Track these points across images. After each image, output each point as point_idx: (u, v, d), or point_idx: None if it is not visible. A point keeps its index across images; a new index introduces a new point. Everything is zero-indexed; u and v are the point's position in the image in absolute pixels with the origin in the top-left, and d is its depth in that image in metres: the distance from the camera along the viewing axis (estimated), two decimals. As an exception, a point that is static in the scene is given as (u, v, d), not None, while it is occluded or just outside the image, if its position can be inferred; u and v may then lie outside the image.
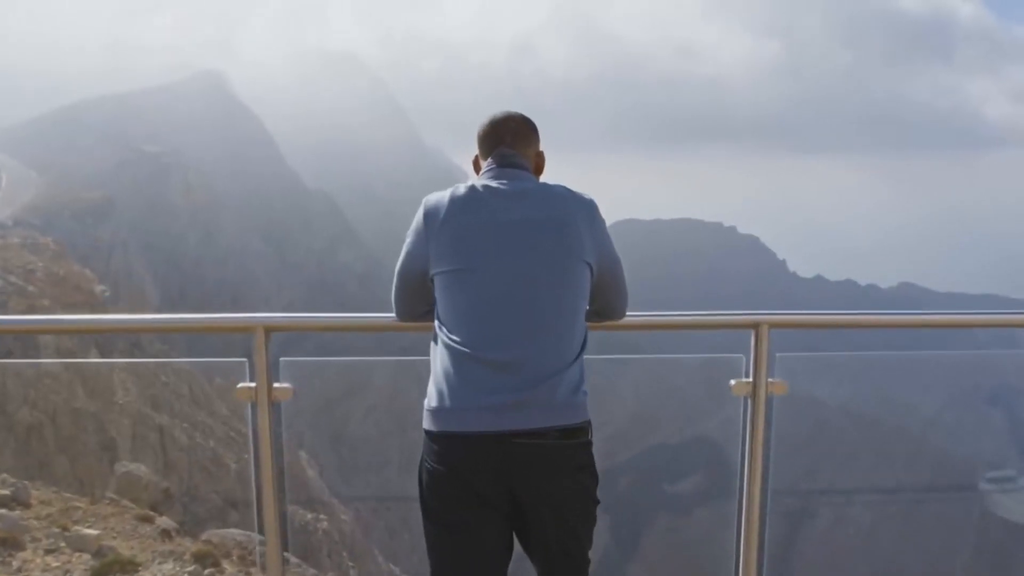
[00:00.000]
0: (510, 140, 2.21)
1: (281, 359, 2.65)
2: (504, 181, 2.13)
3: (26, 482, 5.27)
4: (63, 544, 4.28)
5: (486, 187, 2.12)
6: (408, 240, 2.13)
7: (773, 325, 2.72)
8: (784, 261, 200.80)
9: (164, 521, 5.05)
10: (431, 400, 2.01)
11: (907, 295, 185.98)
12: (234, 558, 4.80)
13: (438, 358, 2.03)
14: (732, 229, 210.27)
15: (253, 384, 2.61)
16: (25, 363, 11.91)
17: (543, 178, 2.28)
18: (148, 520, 4.92)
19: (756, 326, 2.70)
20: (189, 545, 5.02)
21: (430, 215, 2.10)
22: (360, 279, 66.58)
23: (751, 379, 2.71)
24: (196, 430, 13.85)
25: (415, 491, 2.04)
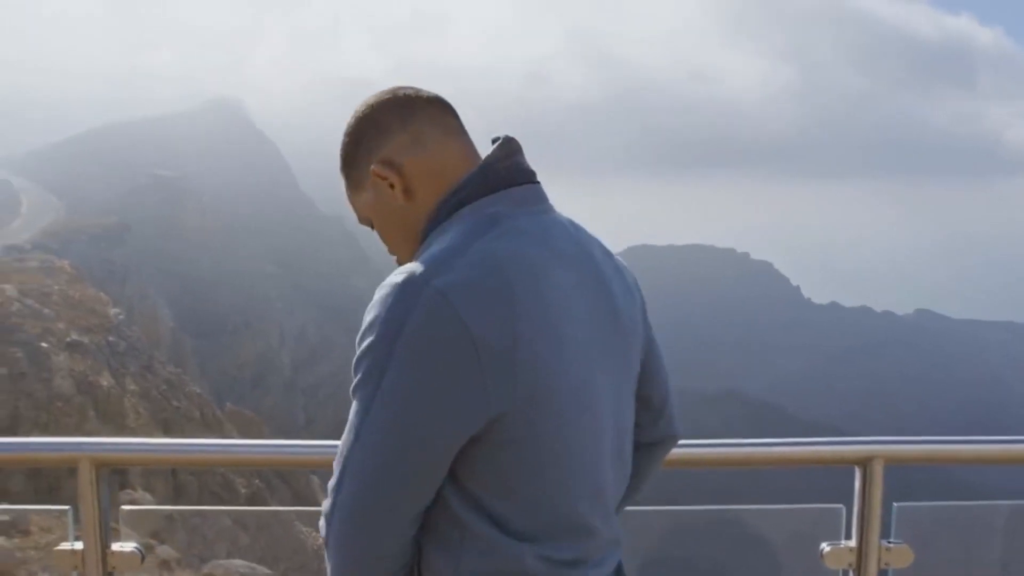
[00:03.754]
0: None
1: (123, 508, 2.01)
2: (547, 221, 1.15)
3: (27, 506, 5.20)
4: None
5: (535, 238, 1.10)
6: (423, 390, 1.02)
7: (891, 460, 1.85)
8: (798, 287, 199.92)
9: (164, 550, 4.95)
10: None
11: (924, 322, 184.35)
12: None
13: None
14: (745, 255, 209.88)
15: (78, 545, 1.81)
16: None
17: None
18: (148, 550, 4.82)
19: (865, 462, 1.83)
20: (193, 576, 4.91)
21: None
22: (372, 303, 66.73)
23: (855, 543, 1.85)
24: None
25: None
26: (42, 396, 13.49)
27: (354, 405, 1.03)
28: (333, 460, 1.07)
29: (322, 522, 1.05)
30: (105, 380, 15.12)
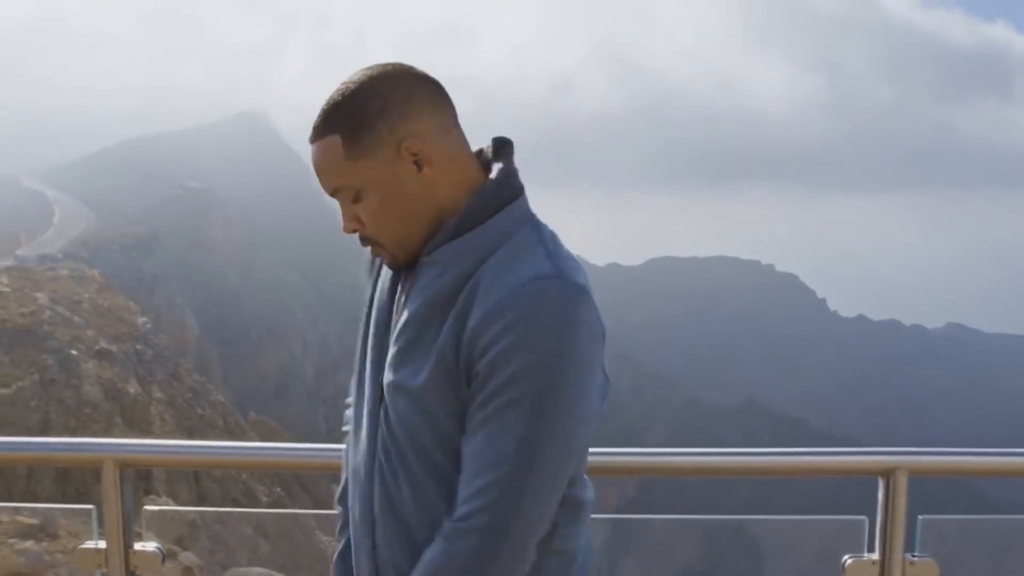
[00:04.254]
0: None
1: (145, 508, 2.00)
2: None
3: (55, 508, 5.28)
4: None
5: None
6: (584, 372, 1.08)
7: (915, 471, 1.80)
8: (824, 300, 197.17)
9: (188, 557, 5.00)
10: None
11: (955, 336, 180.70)
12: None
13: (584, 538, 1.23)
14: (770, 267, 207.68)
15: (102, 544, 1.82)
16: None
17: None
18: (171, 556, 4.87)
19: (888, 473, 1.79)
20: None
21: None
22: (395, 314, 67.15)
23: (878, 556, 1.81)
24: None
25: None
26: (72, 402, 13.74)
27: (522, 402, 1.03)
28: None
29: (485, 518, 1.04)
30: (132, 387, 15.37)
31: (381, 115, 1.11)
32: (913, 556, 1.80)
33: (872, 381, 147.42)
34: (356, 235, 1.18)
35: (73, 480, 10.51)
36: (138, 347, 18.19)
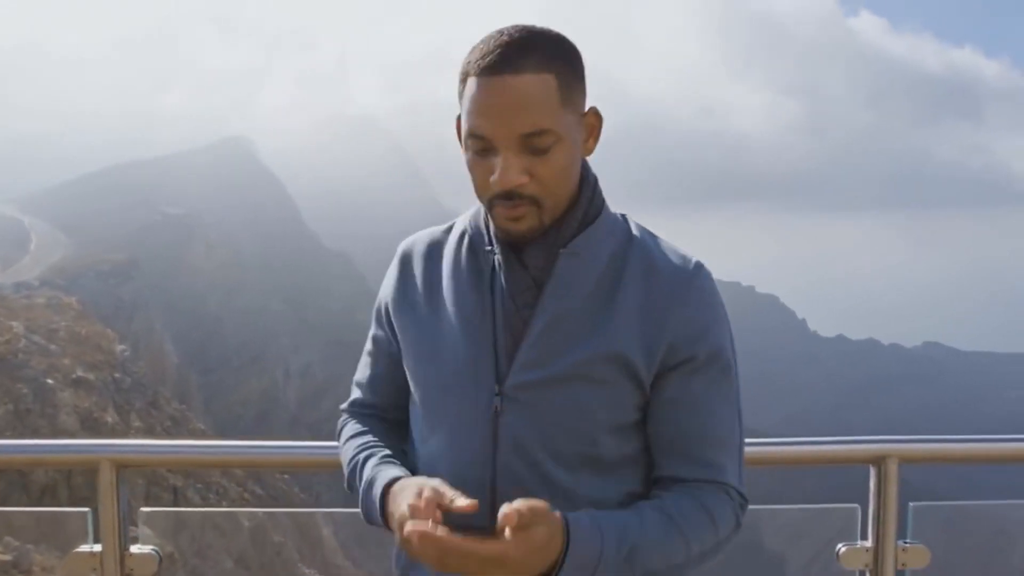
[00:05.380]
0: None
1: (141, 509, 1.95)
2: None
3: (30, 546, 5.17)
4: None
5: None
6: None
7: (906, 458, 1.83)
8: (804, 320, 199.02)
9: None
10: None
11: (932, 355, 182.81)
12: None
13: None
14: (751, 288, 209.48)
15: (96, 548, 1.79)
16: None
17: None
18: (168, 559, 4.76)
19: (879, 461, 1.81)
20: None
21: None
22: (378, 339, 66.80)
23: (871, 543, 1.82)
24: None
25: None
26: (47, 432, 13.47)
27: (723, 385, 1.14)
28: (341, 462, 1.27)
29: (722, 504, 1.12)
30: (110, 416, 15.11)
31: (580, 75, 1.09)
32: (905, 543, 1.83)
33: (852, 400, 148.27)
34: (498, 193, 1.06)
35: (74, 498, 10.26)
36: (116, 375, 17.92)
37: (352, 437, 1.25)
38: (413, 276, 1.20)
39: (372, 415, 1.28)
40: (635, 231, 1.16)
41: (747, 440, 1.94)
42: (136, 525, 1.95)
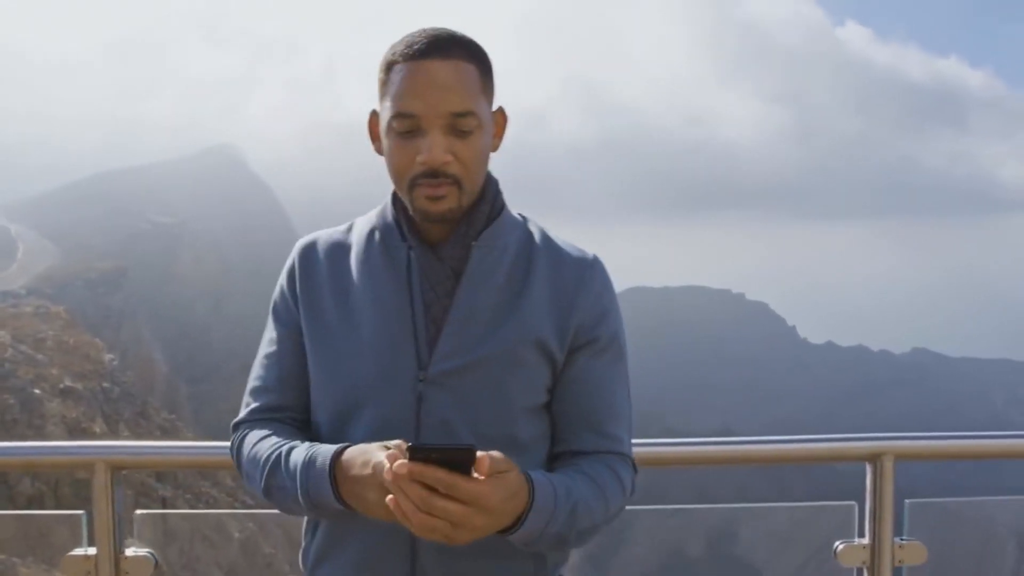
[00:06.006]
0: None
1: (136, 512, 1.91)
2: None
3: (16, 559, 5.11)
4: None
5: None
6: None
7: (902, 456, 1.84)
8: (794, 327, 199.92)
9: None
10: None
11: (920, 361, 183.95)
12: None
13: None
14: (741, 296, 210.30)
15: (92, 551, 1.78)
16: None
17: None
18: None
19: (875, 458, 1.83)
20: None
21: None
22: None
23: (868, 540, 1.83)
24: None
25: None
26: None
27: (620, 365, 1.23)
28: None
29: (627, 473, 1.20)
30: (98, 426, 14.99)
31: (490, 74, 1.17)
32: (902, 539, 1.84)
33: (842, 406, 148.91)
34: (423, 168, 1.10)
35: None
36: (104, 385, 17.78)
37: (261, 440, 1.18)
38: (318, 274, 1.22)
39: (277, 419, 1.23)
40: (533, 228, 1.24)
41: (745, 439, 2.06)
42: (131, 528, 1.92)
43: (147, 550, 1.81)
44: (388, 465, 0.94)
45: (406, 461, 0.92)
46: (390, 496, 0.94)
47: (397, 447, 0.98)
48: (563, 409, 1.19)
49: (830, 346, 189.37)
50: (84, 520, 1.80)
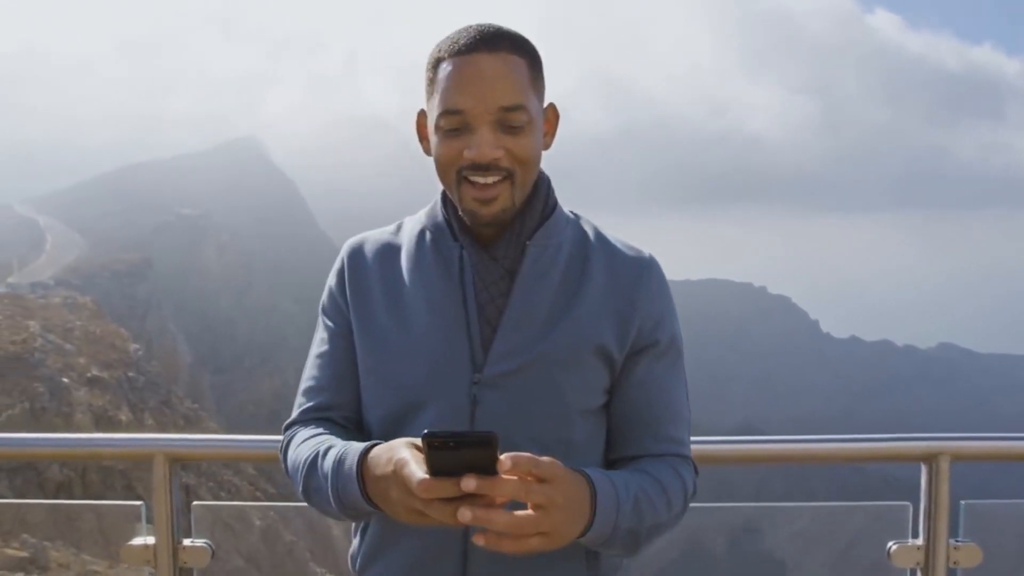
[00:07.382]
0: None
1: (194, 504, 1.95)
2: None
3: (46, 543, 5.23)
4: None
5: None
6: None
7: (958, 456, 1.80)
8: (817, 321, 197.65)
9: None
10: None
11: (947, 356, 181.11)
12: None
13: None
14: (763, 289, 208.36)
15: (151, 540, 1.82)
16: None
17: None
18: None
19: (931, 459, 1.79)
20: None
21: None
22: (389, 339, 67.05)
23: (922, 541, 1.81)
24: None
25: None
26: (62, 431, 13.62)
27: (679, 367, 1.21)
28: None
29: (689, 474, 1.18)
30: (124, 415, 15.25)
31: (543, 74, 1.13)
32: (957, 541, 1.81)
33: (866, 402, 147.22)
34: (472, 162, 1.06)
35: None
36: (130, 374, 18.08)
37: (306, 440, 1.15)
38: (368, 275, 1.19)
39: (328, 419, 1.19)
40: (586, 226, 1.21)
41: (793, 437, 2.00)
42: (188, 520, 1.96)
43: (205, 540, 1.84)
44: (409, 460, 0.91)
45: (428, 478, 0.88)
46: (464, 511, 0.87)
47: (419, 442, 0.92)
48: (623, 412, 1.16)
49: (854, 340, 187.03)
50: (143, 511, 1.85)
